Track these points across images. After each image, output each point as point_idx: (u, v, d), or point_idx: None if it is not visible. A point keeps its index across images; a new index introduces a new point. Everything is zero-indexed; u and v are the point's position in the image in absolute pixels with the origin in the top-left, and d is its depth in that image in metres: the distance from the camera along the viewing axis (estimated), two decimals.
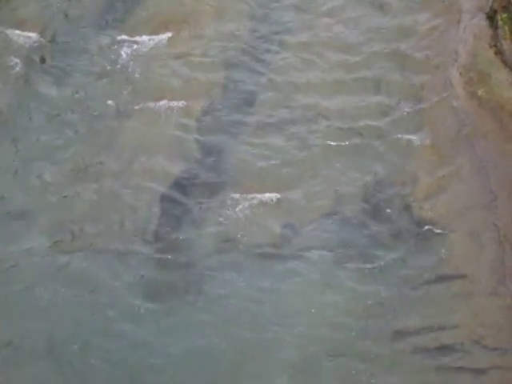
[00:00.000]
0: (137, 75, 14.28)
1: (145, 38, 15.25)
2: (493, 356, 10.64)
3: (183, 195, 12.63)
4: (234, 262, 11.79)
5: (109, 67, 14.69)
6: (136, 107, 13.79)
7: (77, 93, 14.11)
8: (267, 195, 12.60)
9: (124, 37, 15.24)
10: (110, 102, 13.94)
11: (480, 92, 13.57)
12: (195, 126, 13.52)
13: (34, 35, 15.28)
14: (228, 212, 12.46)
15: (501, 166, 12.48)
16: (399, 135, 13.30)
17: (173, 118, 13.59)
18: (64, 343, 10.84)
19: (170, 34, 15.35)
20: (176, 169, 12.99)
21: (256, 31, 15.27)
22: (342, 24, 15.36)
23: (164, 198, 12.60)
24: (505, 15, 13.83)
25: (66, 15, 15.54)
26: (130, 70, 14.60)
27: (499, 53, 13.87)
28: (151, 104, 13.82)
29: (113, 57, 14.85)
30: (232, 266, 11.75)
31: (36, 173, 12.80)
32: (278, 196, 12.61)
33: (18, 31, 15.22)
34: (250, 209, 12.44)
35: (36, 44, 15.02)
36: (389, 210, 12.38)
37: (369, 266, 11.74)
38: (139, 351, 10.64)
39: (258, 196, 12.61)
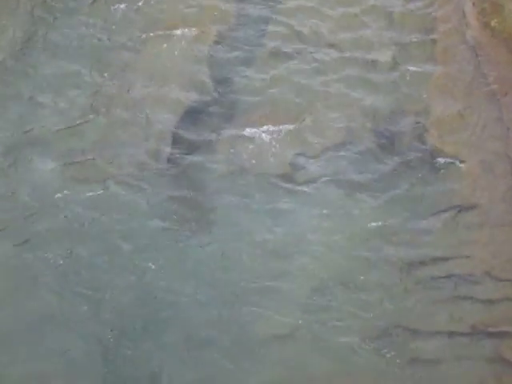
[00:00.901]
0: (149, 4, 13.16)
1: None
2: (504, 287, 10.19)
3: (195, 124, 12.01)
4: (245, 190, 11.29)
5: None
6: (148, 36, 12.96)
7: (87, 24, 13.12)
8: (279, 124, 12.00)
9: None
10: (121, 31, 13.05)
11: (493, 23, 12.81)
12: (208, 55, 12.76)
13: None
14: (240, 141, 11.87)
15: None
16: (412, 66, 12.57)
17: (185, 46, 12.83)
18: (75, 268, 10.40)
19: None
20: (188, 98, 12.31)
21: None
22: None
23: (176, 127, 12.02)
24: None
25: None
26: None
27: None
28: (163, 33, 13.02)
29: None
30: (243, 193, 11.25)
31: (48, 102, 12.16)
32: (290, 125, 12.00)
33: None
34: (262, 138, 11.87)
35: None
36: (401, 140, 11.73)
37: (380, 195, 11.16)
38: (149, 275, 10.28)
39: (270, 125, 12.02)
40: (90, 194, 11.24)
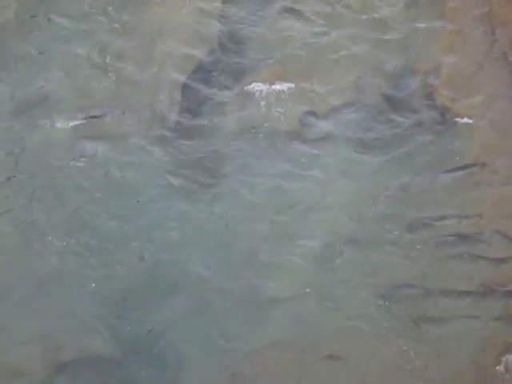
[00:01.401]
0: None
1: None
2: None
3: (204, 81, 11.64)
4: (254, 147, 10.97)
5: None
6: None
7: None
8: (289, 82, 11.59)
9: None
10: None
11: None
12: (218, 11, 12.34)
13: None
14: (249, 98, 11.47)
15: None
16: (422, 24, 12.14)
17: (194, 3, 12.39)
18: (82, 225, 10.11)
19: None
20: (197, 55, 11.94)
21: None
22: None
23: (185, 84, 11.62)
24: None
25: None
26: None
27: None
28: None
29: None
30: (252, 150, 10.93)
31: (56, 60, 11.76)
32: (300, 83, 11.58)
33: None
34: (271, 96, 11.47)
35: None
36: (411, 99, 11.33)
37: (390, 154, 10.82)
38: (157, 234, 9.99)
39: (280, 83, 11.62)
40: (99, 151, 10.92)
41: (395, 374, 8.75)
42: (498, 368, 8.71)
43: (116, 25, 12.30)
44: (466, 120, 11.01)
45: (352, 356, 8.82)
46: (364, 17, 12.37)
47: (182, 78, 11.75)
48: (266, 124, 11.27)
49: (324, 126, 11.24)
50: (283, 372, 8.71)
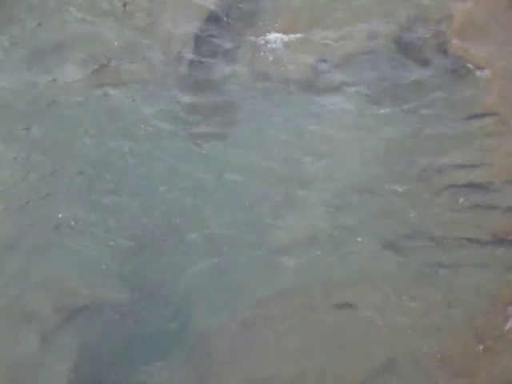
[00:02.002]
0: None
1: None
2: None
3: (217, 29, 11.16)
4: (266, 96, 10.53)
5: None
6: None
7: None
8: (301, 31, 11.07)
9: None
10: None
11: None
12: None
13: None
14: (262, 47, 10.99)
15: None
16: None
17: None
18: (91, 173, 9.81)
19: None
20: (209, 5, 11.39)
21: None
22: None
23: (198, 32, 11.15)
24: None
25: None
26: None
27: None
28: None
29: None
30: (264, 99, 10.50)
31: (70, 8, 11.30)
32: (312, 32, 11.04)
33: None
34: (283, 44, 10.99)
35: None
36: (423, 49, 10.82)
37: (401, 103, 10.35)
38: (168, 181, 9.69)
39: (292, 32, 11.10)
40: (111, 99, 10.56)
41: (405, 322, 8.46)
42: (507, 317, 8.41)
43: None
44: (478, 69, 10.51)
45: (363, 304, 8.58)
46: None
47: (195, 28, 11.26)
48: (278, 73, 10.82)
49: (336, 74, 10.77)
50: (293, 320, 8.47)
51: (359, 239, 9.11)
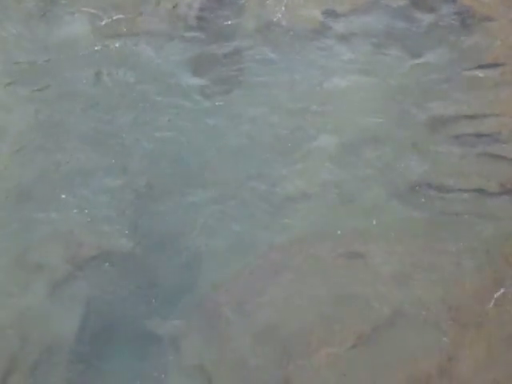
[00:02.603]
0: None
1: None
2: None
3: None
4: (274, 45, 10.15)
5: None
6: None
7: None
8: None
9: None
10: None
11: None
12: None
13: None
14: None
15: None
16: None
17: None
18: (103, 119, 9.45)
19: None
20: None
21: None
22: None
23: None
24: None
25: None
26: None
27: None
28: None
29: None
30: (272, 48, 10.12)
31: None
32: None
33: None
34: None
35: None
36: None
37: (409, 53, 9.90)
38: (178, 131, 9.25)
39: None
40: (120, 49, 10.12)
41: (414, 272, 8.04)
42: None
43: None
44: (486, 19, 10.02)
45: (371, 254, 8.10)
46: None
47: None
48: (286, 22, 10.38)
49: (344, 24, 10.31)
50: (302, 269, 8.01)
51: (368, 189, 8.62)
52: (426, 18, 10.20)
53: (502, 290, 7.75)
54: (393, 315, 7.60)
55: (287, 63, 9.81)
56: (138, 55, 10.03)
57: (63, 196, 8.62)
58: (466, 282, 7.84)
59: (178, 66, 9.92)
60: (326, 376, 7.25)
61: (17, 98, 9.39)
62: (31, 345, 7.47)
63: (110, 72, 9.83)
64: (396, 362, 7.31)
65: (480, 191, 8.51)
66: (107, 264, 8.05)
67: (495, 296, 7.70)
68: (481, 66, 9.62)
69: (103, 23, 10.48)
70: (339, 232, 8.25)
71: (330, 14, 10.36)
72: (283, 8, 10.43)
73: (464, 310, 7.60)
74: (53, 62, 9.94)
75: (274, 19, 10.36)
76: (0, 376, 7.25)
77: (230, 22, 10.44)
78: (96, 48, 10.07)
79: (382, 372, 7.26)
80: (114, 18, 10.58)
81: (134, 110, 9.38)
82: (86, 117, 9.27)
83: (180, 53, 10.12)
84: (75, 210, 8.50)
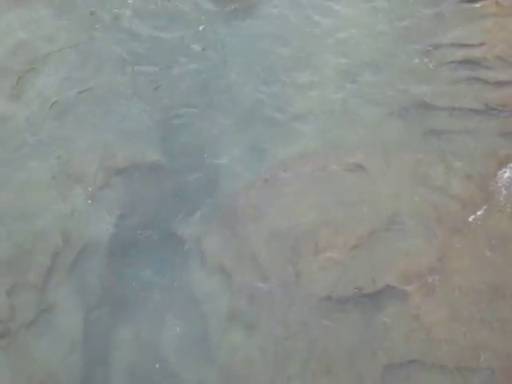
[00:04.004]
0: None
1: None
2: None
3: None
4: None
5: None
6: None
7: None
8: None
9: None
10: None
11: None
12: None
13: None
14: None
15: None
16: None
17: None
18: (137, 48, 8.51)
19: None
20: None
21: None
22: None
23: None
24: None
25: None
26: None
27: None
28: None
29: None
30: None
31: None
32: None
33: None
34: None
35: None
36: None
37: None
38: (201, 57, 8.34)
39: None
40: None
41: (407, 171, 7.36)
42: (499, 178, 7.28)
43: None
44: None
45: (371, 165, 7.37)
46: None
47: None
48: None
49: None
50: (310, 179, 7.34)
51: (369, 108, 7.82)
52: None
53: (486, 200, 7.10)
54: (389, 220, 6.97)
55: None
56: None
57: (100, 114, 7.87)
58: (455, 190, 7.17)
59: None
60: (330, 271, 6.72)
61: (59, 27, 8.23)
62: (71, 244, 6.94)
63: (137, 6, 8.87)
64: (391, 260, 6.73)
65: (467, 110, 7.71)
66: (137, 173, 7.41)
67: (480, 205, 7.04)
68: (468, 1, 8.62)
69: None
70: (343, 146, 7.52)
71: None
72: None
73: (452, 217, 6.96)
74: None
75: None
76: (45, 270, 6.75)
77: None
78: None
79: (379, 269, 6.69)
80: None
81: (161, 38, 8.55)
82: (117, 43, 8.48)
83: None
84: (110, 127, 7.77)
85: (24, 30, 8.45)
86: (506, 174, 7.28)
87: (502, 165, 7.31)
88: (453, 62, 8.13)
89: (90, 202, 7.15)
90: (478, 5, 8.63)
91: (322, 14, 8.65)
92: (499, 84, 7.89)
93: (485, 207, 7.03)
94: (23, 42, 8.30)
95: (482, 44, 8.25)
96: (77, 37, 8.47)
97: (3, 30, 8.34)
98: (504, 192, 7.16)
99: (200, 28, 8.54)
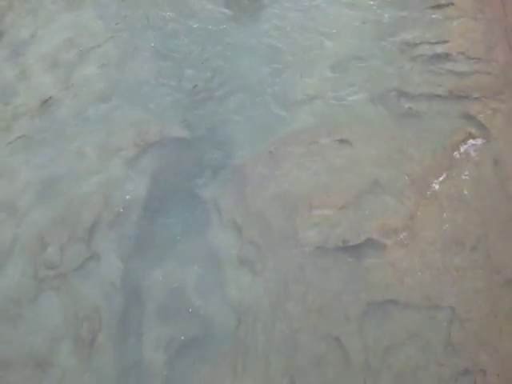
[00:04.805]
0: None
1: None
2: (472, 63, 7.28)
3: None
4: None
5: None
6: None
7: None
8: None
9: None
10: None
11: None
12: None
13: None
14: None
15: None
16: None
17: None
18: (166, 39, 7.62)
19: None
20: None
21: None
22: None
23: None
24: None
25: None
26: None
27: None
28: None
29: None
30: None
31: None
32: None
33: None
34: None
35: None
36: None
37: None
38: (216, 50, 7.48)
39: None
40: None
41: (387, 153, 6.68)
42: (460, 151, 6.67)
43: None
44: None
45: (356, 140, 6.73)
46: None
47: None
48: None
49: None
50: (306, 151, 6.69)
51: (355, 94, 7.08)
52: None
53: (449, 169, 6.52)
54: (372, 185, 6.40)
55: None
56: None
57: (134, 98, 7.17)
58: (425, 161, 6.56)
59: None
60: (323, 227, 6.20)
61: (102, 26, 7.42)
62: (112, 205, 6.40)
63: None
64: (372, 218, 6.21)
65: (435, 96, 7.00)
66: (166, 147, 6.77)
67: (444, 173, 6.47)
68: (437, 6, 7.77)
69: None
70: (332, 124, 6.84)
71: None
72: None
73: (422, 183, 6.39)
74: None
75: None
76: (90, 226, 6.27)
77: None
78: None
79: (362, 225, 6.19)
80: None
81: (188, 33, 7.66)
82: (154, 32, 7.67)
83: None
84: (143, 108, 7.08)
85: (73, 29, 7.62)
86: (466, 148, 6.65)
87: (463, 141, 6.68)
88: (422, 56, 7.34)
89: (127, 170, 6.58)
90: (442, 9, 7.78)
91: (316, 16, 7.81)
92: (461, 74, 7.16)
93: (448, 175, 6.45)
94: (71, 39, 7.49)
95: (446, 42, 7.45)
96: (115, 33, 7.61)
97: (56, 30, 7.53)
98: (464, 163, 6.55)
99: (222, 26, 7.66)
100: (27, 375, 5.52)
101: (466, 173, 6.52)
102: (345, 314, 5.76)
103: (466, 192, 6.40)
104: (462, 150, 6.76)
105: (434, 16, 7.86)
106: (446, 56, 7.42)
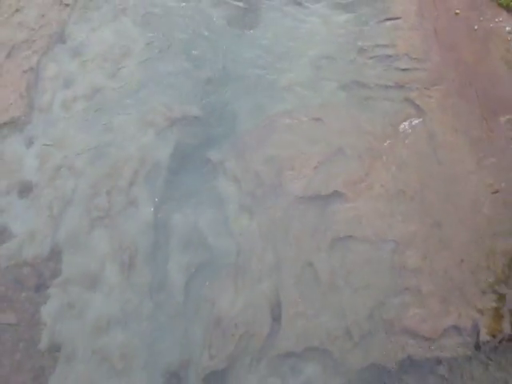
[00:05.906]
0: None
1: None
2: (413, 62, 6.28)
3: None
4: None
5: None
6: None
7: None
8: None
9: None
10: None
11: None
12: None
13: None
14: None
15: None
16: None
17: None
18: (188, 38, 6.56)
19: None
20: None
21: None
22: None
23: None
24: None
25: None
26: None
27: None
28: None
29: None
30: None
31: None
32: None
33: None
34: None
35: None
36: None
37: (348, 11, 6.77)
38: (226, 45, 6.43)
39: None
40: None
41: (350, 115, 5.88)
42: (403, 126, 5.85)
43: None
44: None
45: (327, 118, 5.91)
46: None
47: None
48: None
49: None
50: (291, 123, 5.89)
51: (326, 84, 6.19)
52: None
53: (394, 138, 5.73)
54: (338, 151, 5.68)
55: (290, 14, 6.80)
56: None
57: (163, 86, 6.22)
58: (377, 133, 5.79)
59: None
60: (302, 181, 5.51)
61: (140, 33, 6.33)
62: (145, 164, 5.66)
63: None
64: (338, 175, 5.53)
65: (385, 86, 6.13)
66: (186, 121, 5.94)
67: (390, 140, 5.70)
68: (387, 19, 6.71)
69: None
70: (310, 106, 5.99)
71: None
72: None
73: (374, 148, 5.65)
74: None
75: None
76: (129, 179, 5.54)
77: None
78: None
79: (330, 180, 5.51)
80: None
81: (198, 39, 6.57)
82: (174, 38, 6.52)
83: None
84: (170, 94, 6.16)
85: (116, 36, 6.59)
86: (407, 124, 5.89)
87: (405, 118, 5.92)
88: (376, 56, 6.42)
89: (157, 139, 5.76)
90: (392, 21, 6.73)
91: (299, 24, 6.74)
92: (405, 70, 6.29)
93: (394, 144, 5.72)
94: (114, 44, 6.46)
95: (394, 45, 6.51)
96: (150, 39, 6.57)
97: (101, 37, 6.53)
98: (406, 135, 5.81)
99: (219, 35, 6.67)
100: (82, 291, 4.96)
101: (407, 142, 5.77)
102: (317, 246, 5.16)
103: (406, 156, 5.69)
104: (404, 125, 6.00)
105: (385, 27, 6.83)
106: (394, 56, 6.49)
